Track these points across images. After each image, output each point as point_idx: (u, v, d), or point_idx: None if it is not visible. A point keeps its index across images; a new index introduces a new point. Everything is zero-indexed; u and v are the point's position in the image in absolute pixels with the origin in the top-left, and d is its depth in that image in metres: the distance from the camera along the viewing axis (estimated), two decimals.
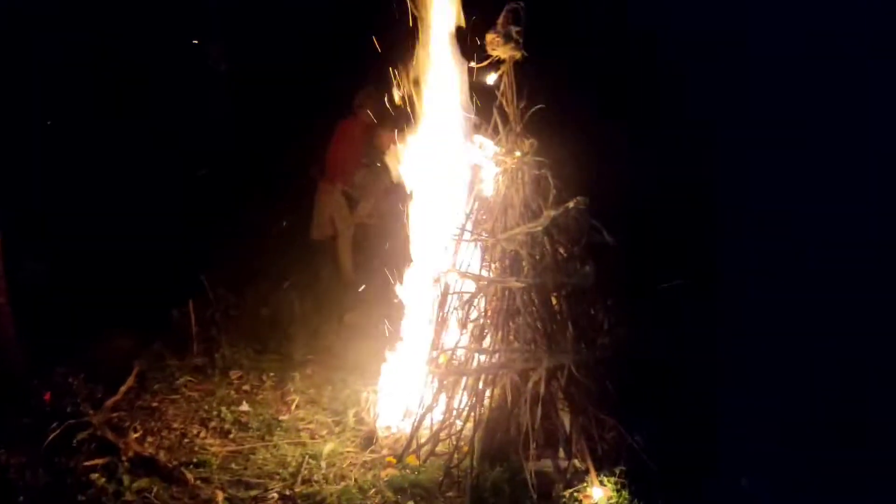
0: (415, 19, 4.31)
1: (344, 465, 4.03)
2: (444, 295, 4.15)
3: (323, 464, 4.01)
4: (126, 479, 3.68)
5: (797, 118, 5.74)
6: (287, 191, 5.97)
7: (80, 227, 6.19)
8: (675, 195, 5.66)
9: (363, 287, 5.88)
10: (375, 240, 6.01)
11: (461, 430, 4.02)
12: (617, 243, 3.99)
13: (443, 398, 4.12)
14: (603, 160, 5.10)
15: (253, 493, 3.76)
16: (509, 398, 3.87)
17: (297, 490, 3.80)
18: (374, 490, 3.80)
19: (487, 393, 3.98)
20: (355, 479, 3.90)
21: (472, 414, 3.95)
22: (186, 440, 4.25)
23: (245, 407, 4.65)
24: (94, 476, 3.69)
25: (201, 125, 6.81)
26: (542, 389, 3.74)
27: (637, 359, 4.13)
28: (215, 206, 5.97)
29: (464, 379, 4.07)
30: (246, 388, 4.93)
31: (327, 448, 4.14)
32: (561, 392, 3.90)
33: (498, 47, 4.07)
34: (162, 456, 3.99)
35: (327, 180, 6.37)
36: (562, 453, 3.89)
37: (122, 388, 4.62)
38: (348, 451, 4.16)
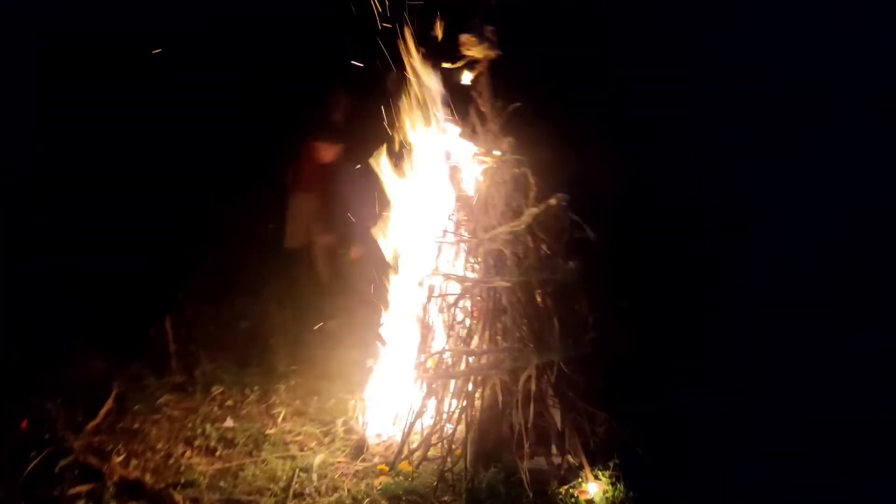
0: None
1: (336, 476, 3.97)
2: (429, 298, 4.12)
3: (314, 476, 3.95)
4: None
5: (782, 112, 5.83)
6: (264, 198, 5.85)
7: (46, 242, 6.00)
8: (654, 191, 5.73)
9: (342, 294, 5.83)
10: (353, 246, 5.94)
11: (453, 433, 3.99)
12: (598, 238, 4.01)
13: (432, 402, 4.10)
14: (582, 156, 5.11)
15: None
16: (500, 398, 3.86)
17: None
18: (368, 500, 3.76)
19: (477, 394, 3.96)
20: (348, 490, 3.85)
21: (464, 416, 3.92)
22: (172, 461, 4.13)
23: (230, 423, 4.55)
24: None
25: (176, 137, 6.66)
26: (533, 388, 3.73)
27: (623, 354, 4.16)
28: (189, 216, 5.84)
29: (452, 382, 4.05)
30: (229, 403, 4.83)
31: (317, 460, 4.08)
32: (551, 389, 3.89)
33: (472, 47, 4.07)
34: (148, 478, 3.88)
35: (302, 188, 6.29)
36: (554, 450, 3.90)
37: (102, 411, 4.48)
38: (339, 462, 4.11)
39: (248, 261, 6.37)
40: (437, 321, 4.15)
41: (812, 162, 5.60)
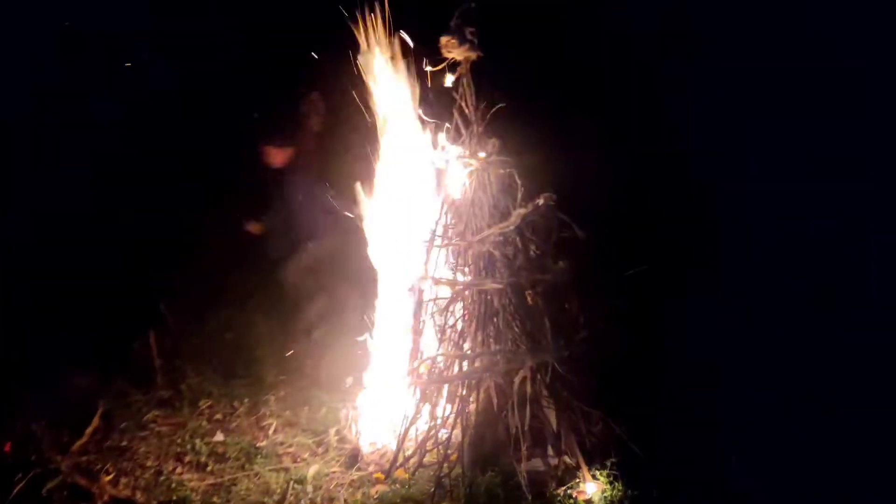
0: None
1: (331, 487, 3.93)
2: (419, 303, 4.09)
3: (309, 487, 3.91)
4: None
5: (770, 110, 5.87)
6: (245, 205, 5.75)
7: (24, 257, 5.86)
8: (641, 189, 5.73)
9: (328, 302, 5.76)
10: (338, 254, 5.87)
11: (448, 438, 3.96)
12: (587, 238, 4.00)
13: (426, 408, 4.06)
14: (568, 155, 5.11)
15: None
16: (495, 401, 3.84)
17: None
18: None
19: (472, 398, 3.93)
20: (345, 500, 3.82)
21: (459, 420, 3.90)
22: (163, 477, 4.06)
23: (220, 437, 4.48)
24: None
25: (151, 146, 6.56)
26: (528, 389, 3.71)
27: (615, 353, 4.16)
28: (171, 226, 5.74)
29: (446, 386, 4.02)
30: (218, 416, 4.76)
31: (312, 471, 4.04)
32: (545, 389, 3.87)
33: (453, 49, 4.03)
34: (139, 497, 3.83)
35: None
36: (551, 451, 3.88)
37: (88, 430, 4.39)
38: (334, 472, 4.06)
39: (231, 270, 6.28)
40: (429, 326, 4.12)
41: (806, 158, 5.64)
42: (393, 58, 4.22)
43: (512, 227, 3.92)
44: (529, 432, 3.81)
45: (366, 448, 4.20)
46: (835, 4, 5.68)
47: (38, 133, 6.44)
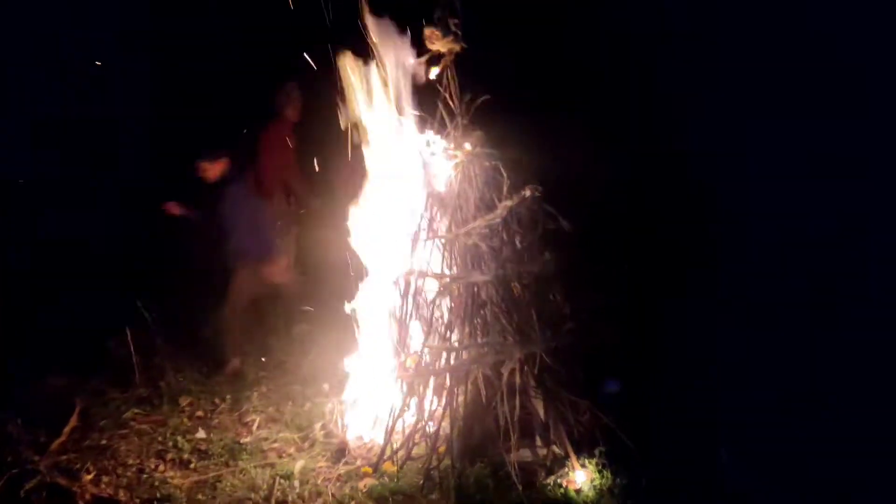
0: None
1: (318, 481, 3.89)
2: (406, 296, 4.07)
3: (296, 483, 3.87)
4: None
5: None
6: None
7: None
8: (628, 182, 5.76)
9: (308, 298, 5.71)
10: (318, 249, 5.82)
11: (436, 430, 3.95)
12: (572, 229, 4.02)
13: (413, 401, 4.05)
14: (553, 148, 5.12)
15: None
16: (483, 393, 3.84)
17: None
18: (354, 502, 3.70)
19: (460, 390, 3.93)
20: (332, 494, 3.78)
21: (448, 412, 3.89)
22: (145, 475, 3.99)
23: (202, 434, 4.42)
24: None
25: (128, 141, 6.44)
26: (517, 380, 3.72)
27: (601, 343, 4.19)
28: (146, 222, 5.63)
29: (433, 379, 4.01)
30: (199, 413, 4.69)
31: (298, 465, 4.00)
32: (533, 380, 3.89)
33: (437, 41, 4.03)
34: (122, 495, 3.75)
35: (263, 192, 6.11)
36: (539, 441, 3.90)
37: (66, 429, 4.30)
38: (320, 467, 4.02)
39: (209, 266, 6.18)
40: (415, 319, 4.10)
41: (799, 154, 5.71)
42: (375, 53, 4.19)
43: (498, 220, 3.92)
44: (518, 423, 3.82)
45: (353, 442, 4.17)
46: (835, 4, 5.74)
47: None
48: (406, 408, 4.05)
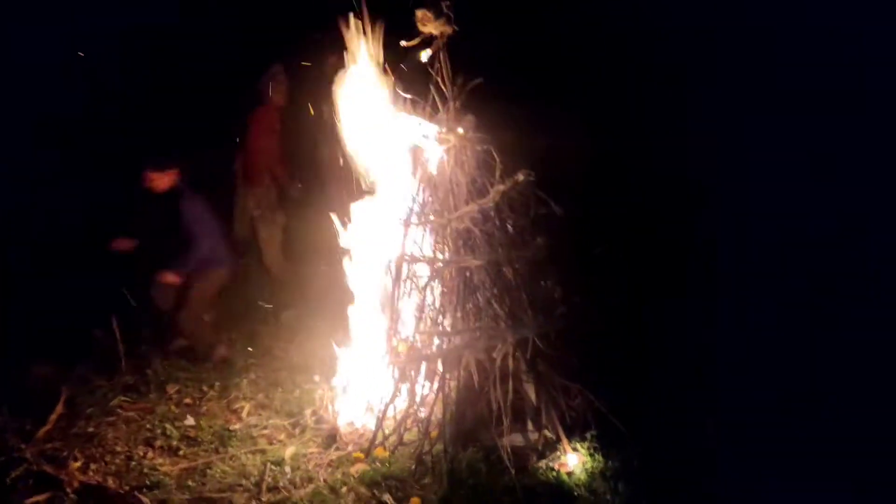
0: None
1: (310, 467, 3.88)
2: (397, 281, 4.05)
3: (287, 468, 3.85)
4: None
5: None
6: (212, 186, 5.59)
7: None
8: (620, 166, 5.75)
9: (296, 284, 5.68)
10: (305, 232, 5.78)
11: (428, 415, 3.94)
12: (564, 214, 4.02)
13: (405, 387, 4.04)
14: (546, 132, 5.10)
15: None
16: (476, 378, 3.83)
17: (263, 499, 3.65)
18: (346, 488, 3.69)
19: (451, 375, 3.92)
20: (324, 480, 3.77)
21: (440, 397, 3.88)
22: (134, 463, 3.94)
23: (190, 421, 4.38)
24: None
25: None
26: (510, 364, 3.72)
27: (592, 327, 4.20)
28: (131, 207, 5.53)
29: (425, 364, 4.00)
30: (187, 401, 4.64)
31: (289, 451, 3.98)
32: (525, 365, 3.89)
33: (429, 23, 3.98)
34: (111, 483, 3.71)
35: (250, 179, 6.06)
36: (530, 425, 3.90)
37: (53, 416, 4.23)
38: (311, 452, 4.01)
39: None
40: (406, 304, 4.08)
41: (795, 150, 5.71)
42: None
43: (491, 204, 3.90)
44: (510, 408, 3.82)
45: (344, 428, 4.15)
46: (835, 4, 5.73)
47: None
48: (398, 393, 4.03)
